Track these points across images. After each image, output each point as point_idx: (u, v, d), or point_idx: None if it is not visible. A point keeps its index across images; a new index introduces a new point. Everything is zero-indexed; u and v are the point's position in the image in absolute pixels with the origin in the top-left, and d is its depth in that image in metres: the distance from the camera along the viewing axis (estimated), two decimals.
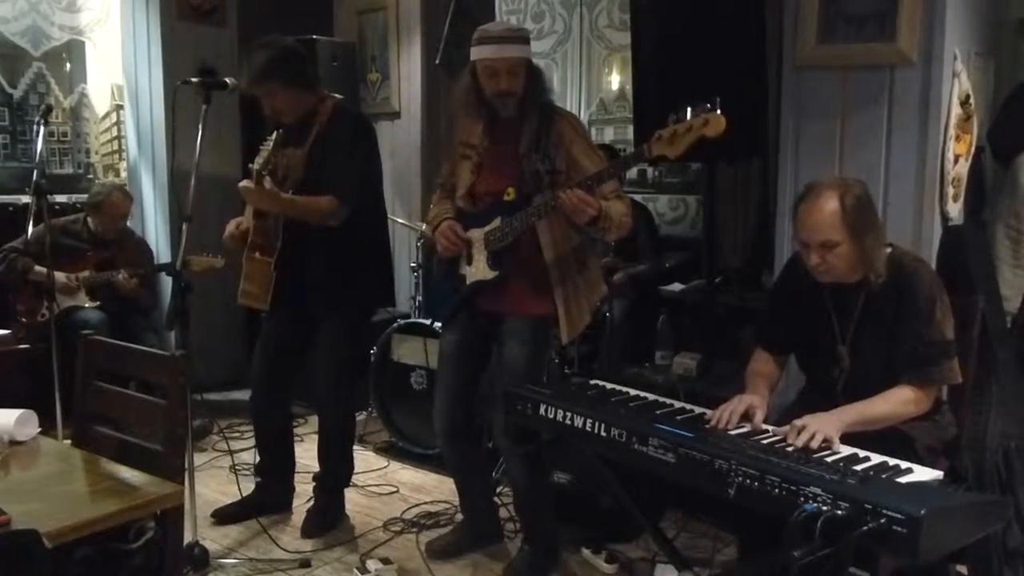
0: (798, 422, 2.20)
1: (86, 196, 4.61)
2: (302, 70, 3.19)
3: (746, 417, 2.34)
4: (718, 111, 2.39)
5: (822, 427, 2.16)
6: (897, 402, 2.31)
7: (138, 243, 4.76)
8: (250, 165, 3.22)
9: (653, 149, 2.51)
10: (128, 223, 4.96)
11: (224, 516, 3.45)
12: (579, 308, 2.94)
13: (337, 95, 3.36)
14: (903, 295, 2.34)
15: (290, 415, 3.62)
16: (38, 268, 4.23)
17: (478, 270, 2.94)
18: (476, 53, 2.85)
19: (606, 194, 2.75)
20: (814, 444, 2.13)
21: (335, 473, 3.52)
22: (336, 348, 3.33)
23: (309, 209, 3.14)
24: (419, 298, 4.48)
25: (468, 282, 2.98)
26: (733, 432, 2.26)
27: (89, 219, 4.47)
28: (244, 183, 3.14)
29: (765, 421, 2.35)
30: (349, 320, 3.36)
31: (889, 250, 2.41)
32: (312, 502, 3.51)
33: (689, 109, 2.43)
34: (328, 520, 3.45)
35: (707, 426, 2.31)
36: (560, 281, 2.87)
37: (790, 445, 2.16)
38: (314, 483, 3.54)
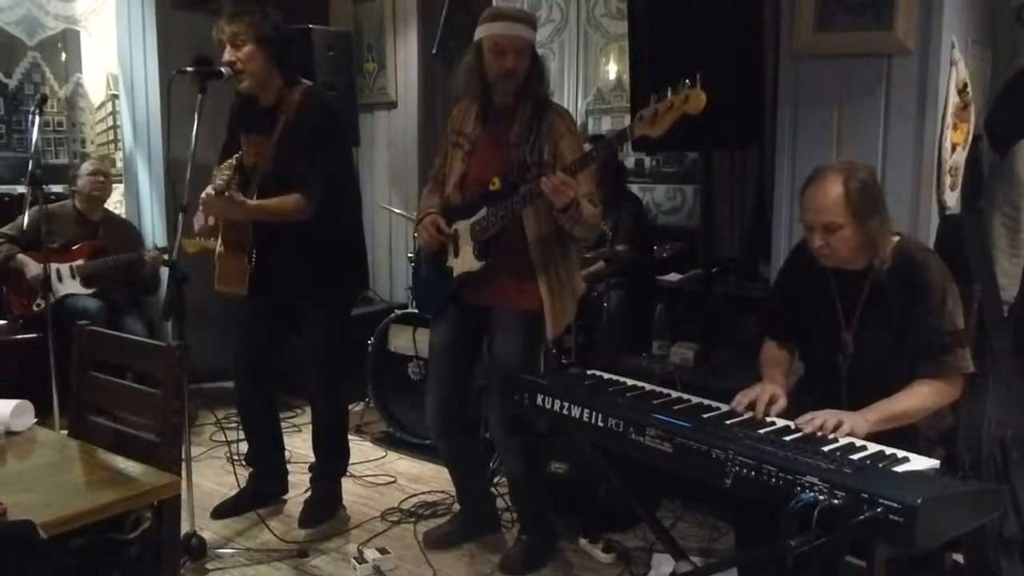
0: (819, 416, 2.20)
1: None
2: (283, 46, 3.13)
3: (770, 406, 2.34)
4: (698, 87, 2.39)
5: (849, 423, 2.17)
6: (918, 396, 2.29)
7: (123, 223, 4.76)
8: (214, 172, 3.18)
9: (636, 130, 2.50)
10: (123, 213, 4.96)
11: (223, 512, 3.44)
12: (563, 304, 2.93)
13: (308, 82, 3.30)
14: (913, 286, 2.33)
15: (273, 400, 3.60)
16: (21, 257, 4.23)
17: (465, 261, 2.94)
18: (485, 30, 2.82)
19: (582, 194, 2.74)
20: (840, 433, 2.14)
21: (331, 463, 3.52)
22: (321, 340, 3.31)
23: (277, 212, 3.08)
24: None
25: (455, 274, 2.97)
26: (730, 422, 2.27)
27: (76, 201, 4.46)
28: (208, 193, 3.06)
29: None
30: (331, 311, 3.34)
31: (897, 238, 2.41)
32: (309, 493, 3.51)
33: (670, 89, 2.42)
34: (325, 510, 3.45)
35: (714, 414, 2.32)
36: (545, 274, 2.87)
37: (795, 432, 2.17)
38: (310, 473, 3.54)
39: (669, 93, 2.42)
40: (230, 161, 3.17)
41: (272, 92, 3.16)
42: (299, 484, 3.62)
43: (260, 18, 3.10)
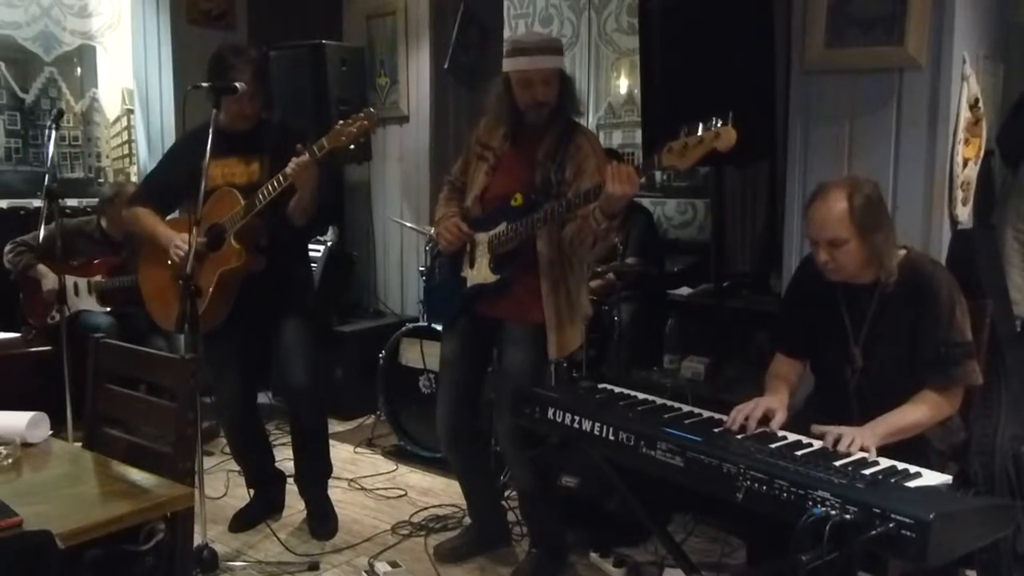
0: (835, 430, 2.20)
1: (96, 200, 4.61)
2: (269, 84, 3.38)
3: (765, 421, 2.34)
4: (730, 124, 2.38)
5: (860, 438, 2.17)
6: (925, 408, 2.30)
7: None
8: (307, 144, 3.05)
9: (664, 160, 2.48)
10: None
11: (242, 524, 3.46)
12: (572, 326, 2.94)
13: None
14: (921, 299, 2.34)
15: (266, 436, 3.73)
16: (41, 268, 4.26)
17: (480, 273, 2.95)
18: (510, 64, 2.85)
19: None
20: (853, 449, 2.13)
21: (318, 466, 3.55)
22: (305, 347, 3.34)
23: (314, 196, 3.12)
24: None
25: (469, 285, 2.98)
26: (741, 436, 2.26)
27: (102, 220, 4.48)
28: (305, 160, 2.95)
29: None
30: (309, 318, 3.40)
31: (903, 252, 2.41)
32: (310, 505, 3.52)
33: (701, 124, 2.42)
34: (331, 518, 3.48)
35: (722, 429, 2.31)
36: (553, 294, 2.88)
37: (807, 446, 2.16)
38: (297, 487, 3.56)
39: (700, 128, 2.42)
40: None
41: (251, 122, 3.24)
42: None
43: (265, 69, 3.29)
